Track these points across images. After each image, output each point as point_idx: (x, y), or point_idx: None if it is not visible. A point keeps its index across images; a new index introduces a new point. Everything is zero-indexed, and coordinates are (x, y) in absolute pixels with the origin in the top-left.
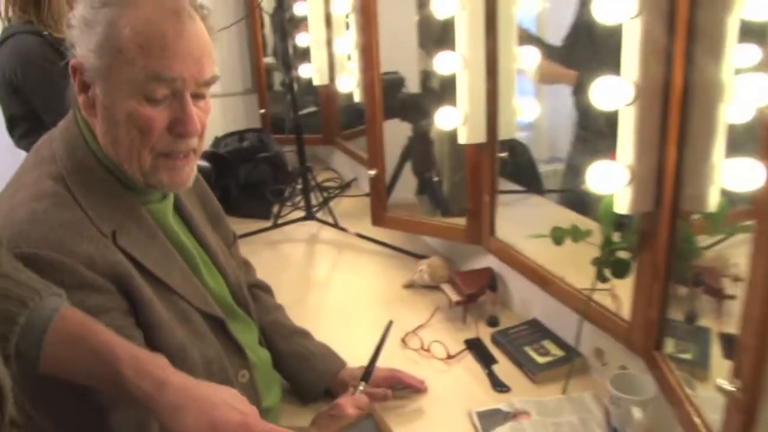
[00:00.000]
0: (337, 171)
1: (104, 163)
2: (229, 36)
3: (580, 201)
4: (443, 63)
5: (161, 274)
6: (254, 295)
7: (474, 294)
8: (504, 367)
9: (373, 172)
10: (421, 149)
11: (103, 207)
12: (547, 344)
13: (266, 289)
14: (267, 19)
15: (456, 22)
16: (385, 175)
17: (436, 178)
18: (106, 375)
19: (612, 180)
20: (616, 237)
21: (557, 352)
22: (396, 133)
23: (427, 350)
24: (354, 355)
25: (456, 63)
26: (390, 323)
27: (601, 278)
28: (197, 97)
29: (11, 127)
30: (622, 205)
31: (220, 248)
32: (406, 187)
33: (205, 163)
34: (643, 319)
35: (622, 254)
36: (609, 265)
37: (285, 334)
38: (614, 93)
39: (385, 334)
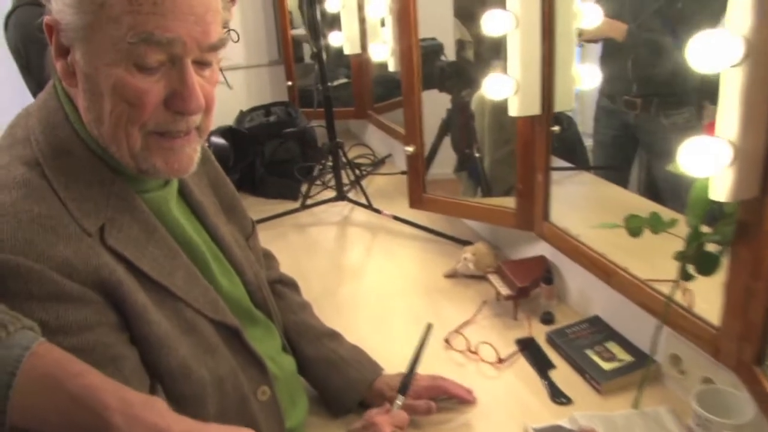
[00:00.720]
0: (371, 147)
1: (89, 145)
2: (254, 4)
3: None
4: (492, 22)
5: (161, 276)
6: (277, 293)
7: (526, 287)
8: (563, 374)
9: (410, 149)
10: (461, 123)
11: (87, 198)
12: (612, 347)
13: (291, 285)
14: None
15: None
16: (424, 150)
17: (477, 155)
18: (91, 427)
19: (711, 160)
20: (704, 227)
21: (624, 356)
22: (433, 104)
23: (474, 352)
24: (390, 357)
25: (507, 22)
26: (429, 327)
27: (685, 276)
28: (201, 64)
29: None
30: (720, 191)
31: (236, 241)
32: (444, 162)
33: (220, 141)
34: (740, 325)
35: (710, 247)
36: (694, 260)
37: (312, 336)
38: (717, 51)
39: (425, 339)
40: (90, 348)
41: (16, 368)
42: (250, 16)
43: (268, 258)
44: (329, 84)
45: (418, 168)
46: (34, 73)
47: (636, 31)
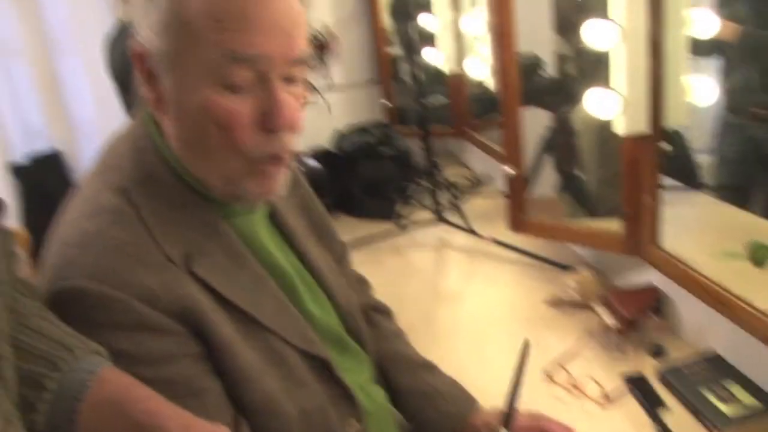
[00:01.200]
0: (470, 166)
1: (176, 170)
2: (350, 23)
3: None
4: (594, 34)
5: (248, 306)
6: (370, 320)
7: (635, 319)
8: (676, 416)
9: (510, 171)
10: (563, 141)
11: (174, 225)
12: (734, 388)
13: (385, 312)
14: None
15: None
16: (524, 171)
17: (580, 174)
18: None
19: None
20: None
21: (749, 400)
22: (532, 122)
23: (578, 387)
24: (487, 387)
25: (611, 33)
26: (527, 346)
27: None
28: (289, 80)
29: None
30: None
31: (327, 265)
32: (546, 181)
33: (315, 163)
34: None
35: None
36: None
37: (406, 367)
38: None
39: (523, 366)
40: (172, 380)
41: (81, 393)
42: (346, 35)
43: (361, 283)
44: (426, 102)
45: (518, 190)
46: (133, 97)
47: (756, 34)
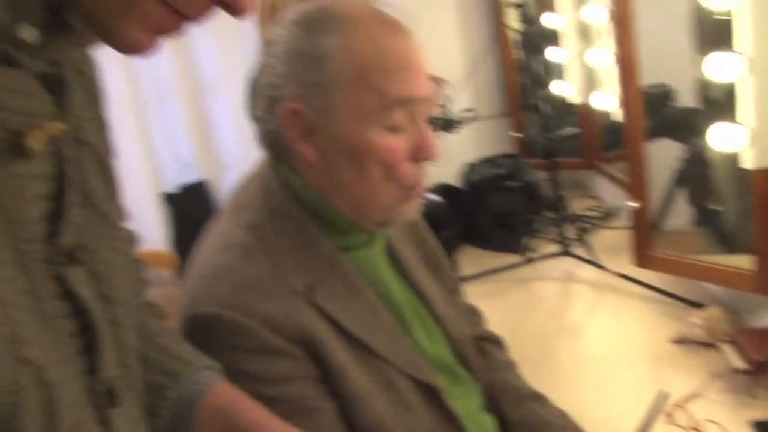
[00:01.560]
0: (600, 198)
1: (310, 207)
2: (480, 57)
3: None
4: (719, 67)
5: (364, 334)
6: (482, 350)
7: (766, 362)
8: None
9: (635, 205)
10: (696, 173)
11: (298, 258)
12: None
13: (496, 343)
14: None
15: (735, 13)
16: (650, 205)
17: (717, 208)
18: None
19: None
20: None
21: None
22: (666, 154)
23: (700, 431)
24: (606, 425)
25: (737, 66)
26: (663, 397)
27: None
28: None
29: None
30: None
31: (440, 296)
32: (679, 213)
33: (436, 198)
34: None
35: None
36: None
37: (515, 397)
38: None
39: (654, 416)
40: (290, 399)
41: (197, 402)
42: (475, 68)
43: (474, 314)
44: (554, 134)
45: (643, 224)
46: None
47: None
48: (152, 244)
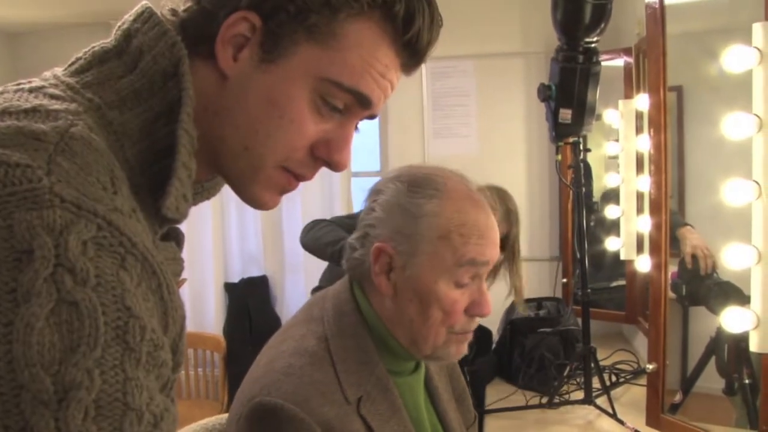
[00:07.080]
0: (637, 353)
1: (374, 332)
2: (541, 199)
3: None
4: (733, 259)
5: None
6: None
7: None
8: None
9: (650, 367)
10: (729, 345)
11: (355, 374)
12: None
13: None
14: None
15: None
16: (668, 368)
17: (747, 381)
18: None
19: None
20: None
21: None
22: (706, 321)
23: None
24: None
25: (750, 257)
26: None
27: None
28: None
29: None
30: None
31: (459, 427)
32: (712, 377)
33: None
34: None
35: None
36: None
37: None
38: None
39: None
40: None
41: None
42: (536, 212)
43: None
44: (600, 285)
45: (657, 386)
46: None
47: None
48: (210, 328)
